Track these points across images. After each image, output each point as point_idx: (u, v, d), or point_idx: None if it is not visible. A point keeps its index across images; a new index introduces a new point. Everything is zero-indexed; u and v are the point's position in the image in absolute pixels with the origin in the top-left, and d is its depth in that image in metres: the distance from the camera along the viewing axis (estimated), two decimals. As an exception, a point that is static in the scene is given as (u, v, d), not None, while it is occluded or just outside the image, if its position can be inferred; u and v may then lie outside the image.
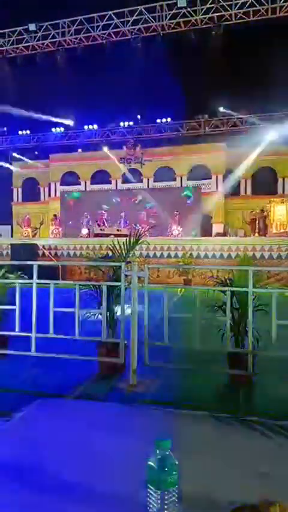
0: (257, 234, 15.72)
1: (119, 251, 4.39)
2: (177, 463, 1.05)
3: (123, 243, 4.35)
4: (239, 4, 16.03)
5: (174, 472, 1.04)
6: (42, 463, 1.23)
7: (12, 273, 4.74)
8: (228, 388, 3.60)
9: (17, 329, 3.90)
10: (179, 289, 7.52)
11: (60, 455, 1.26)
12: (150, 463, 1.05)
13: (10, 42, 18.85)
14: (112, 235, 14.49)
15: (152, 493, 1.05)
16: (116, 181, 22.68)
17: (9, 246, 13.48)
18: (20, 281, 4.02)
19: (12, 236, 20.06)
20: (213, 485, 1.19)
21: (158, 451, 1.05)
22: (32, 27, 17.91)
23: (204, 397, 3.24)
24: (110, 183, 22.79)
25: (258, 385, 3.60)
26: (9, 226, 21.68)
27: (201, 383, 3.58)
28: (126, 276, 3.92)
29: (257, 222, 16.12)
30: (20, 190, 24.93)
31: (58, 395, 3.13)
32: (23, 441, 1.38)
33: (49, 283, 4.00)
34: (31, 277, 4.25)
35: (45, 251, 13.70)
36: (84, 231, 17.21)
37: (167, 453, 1.05)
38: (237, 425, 2.09)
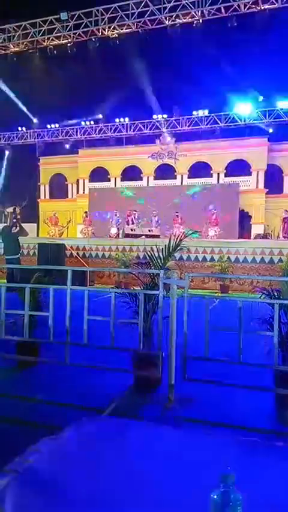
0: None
1: (156, 255, 4.40)
2: (241, 497, 1.07)
3: (163, 249, 4.38)
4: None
5: (239, 508, 1.06)
6: (97, 488, 1.28)
7: (44, 276, 4.90)
8: (275, 408, 3.56)
9: (51, 338, 4.01)
10: (216, 297, 7.49)
11: (117, 481, 1.32)
12: (214, 496, 1.08)
13: (41, 32, 19.32)
14: (143, 236, 14.57)
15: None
16: (148, 177, 22.77)
17: (36, 246, 13.83)
18: (55, 286, 4.13)
19: (38, 235, 20.50)
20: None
21: (222, 484, 1.08)
22: (63, 16, 18.29)
23: (249, 419, 3.22)
24: (141, 179, 22.90)
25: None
26: (35, 225, 22.11)
27: (244, 402, 3.56)
28: (164, 283, 3.94)
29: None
30: (47, 186, 25.47)
31: (95, 410, 3.21)
32: (74, 462, 1.45)
33: (83, 289, 4.09)
34: (60, 280, 4.36)
35: (73, 251, 13.96)
36: (113, 230, 17.31)
37: (232, 487, 1.07)
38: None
